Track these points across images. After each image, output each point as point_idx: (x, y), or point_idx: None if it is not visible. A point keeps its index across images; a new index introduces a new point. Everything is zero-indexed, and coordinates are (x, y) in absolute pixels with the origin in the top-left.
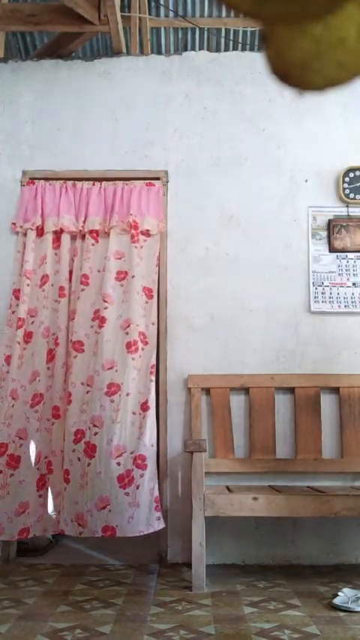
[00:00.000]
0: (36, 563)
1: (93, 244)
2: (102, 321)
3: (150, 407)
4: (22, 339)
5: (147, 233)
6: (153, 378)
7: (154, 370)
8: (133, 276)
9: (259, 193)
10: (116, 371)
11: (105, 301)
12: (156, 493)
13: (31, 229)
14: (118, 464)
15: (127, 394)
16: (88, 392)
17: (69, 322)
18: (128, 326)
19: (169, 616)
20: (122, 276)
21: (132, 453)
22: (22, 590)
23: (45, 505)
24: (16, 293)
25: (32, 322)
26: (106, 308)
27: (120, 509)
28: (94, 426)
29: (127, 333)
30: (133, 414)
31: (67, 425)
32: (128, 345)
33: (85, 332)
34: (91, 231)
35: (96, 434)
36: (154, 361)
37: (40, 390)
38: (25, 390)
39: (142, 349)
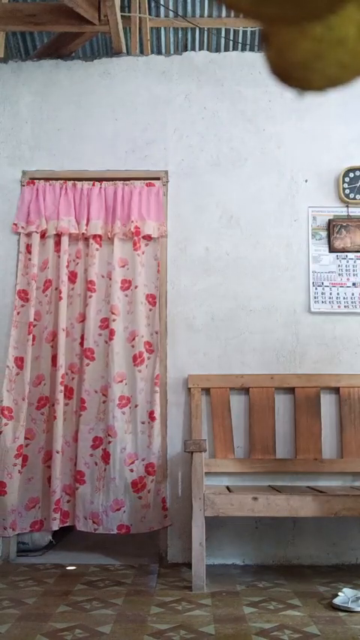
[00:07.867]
0: (36, 563)
1: (97, 249)
2: (111, 332)
3: (157, 418)
4: (31, 342)
5: (148, 237)
6: (158, 389)
7: (158, 381)
8: (136, 287)
9: (259, 193)
10: (125, 384)
11: (113, 313)
12: (162, 494)
13: (36, 232)
14: (132, 470)
15: (136, 406)
16: (104, 402)
17: (70, 324)
18: (133, 339)
19: (169, 616)
20: (126, 285)
21: (143, 460)
22: (22, 590)
23: (54, 501)
24: (21, 294)
25: (35, 326)
26: (114, 320)
27: (133, 511)
28: (109, 435)
29: (132, 346)
30: (142, 423)
31: (82, 430)
32: (134, 358)
33: (93, 339)
34: (94, 236)
35: (110, 442)
36: (158, 371)
37: (45, 393)
38: (30, 393)
39: (148, 358)
